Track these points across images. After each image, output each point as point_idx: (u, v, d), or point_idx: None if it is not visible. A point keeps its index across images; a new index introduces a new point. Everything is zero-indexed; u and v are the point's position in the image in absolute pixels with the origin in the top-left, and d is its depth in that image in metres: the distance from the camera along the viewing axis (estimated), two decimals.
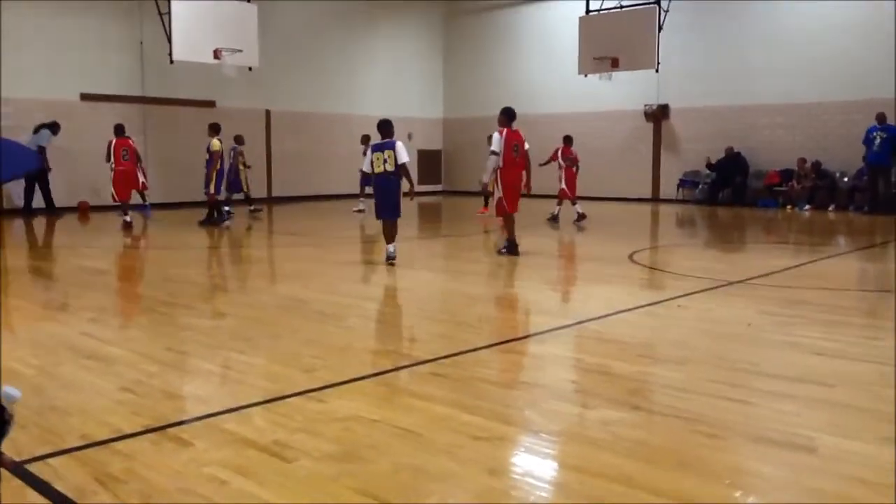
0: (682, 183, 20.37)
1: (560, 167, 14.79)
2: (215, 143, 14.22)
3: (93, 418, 3.69)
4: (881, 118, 16.04)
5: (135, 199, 15.17)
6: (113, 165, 14.24)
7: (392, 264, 9.01)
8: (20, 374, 4.44)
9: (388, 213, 9.21)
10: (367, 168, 9.43)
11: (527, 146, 9.90)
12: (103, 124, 16.68)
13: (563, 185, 14.76)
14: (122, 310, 6.72)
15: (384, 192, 9.21)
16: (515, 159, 9.78)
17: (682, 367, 4.66)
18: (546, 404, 4.01)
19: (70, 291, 7.95)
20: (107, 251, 11.91)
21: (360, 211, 16.66)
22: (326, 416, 3.70)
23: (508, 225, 10.03)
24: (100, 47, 17.64)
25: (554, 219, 14.73)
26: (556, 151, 14.87)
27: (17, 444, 3.24)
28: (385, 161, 9.04)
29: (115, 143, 14.26)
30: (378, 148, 9.21)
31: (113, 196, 14.33)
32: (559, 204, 14.94)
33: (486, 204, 16.03)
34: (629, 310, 6.37)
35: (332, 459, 3.16)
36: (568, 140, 14.95)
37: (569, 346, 5.47)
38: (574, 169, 14.83)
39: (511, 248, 9.87)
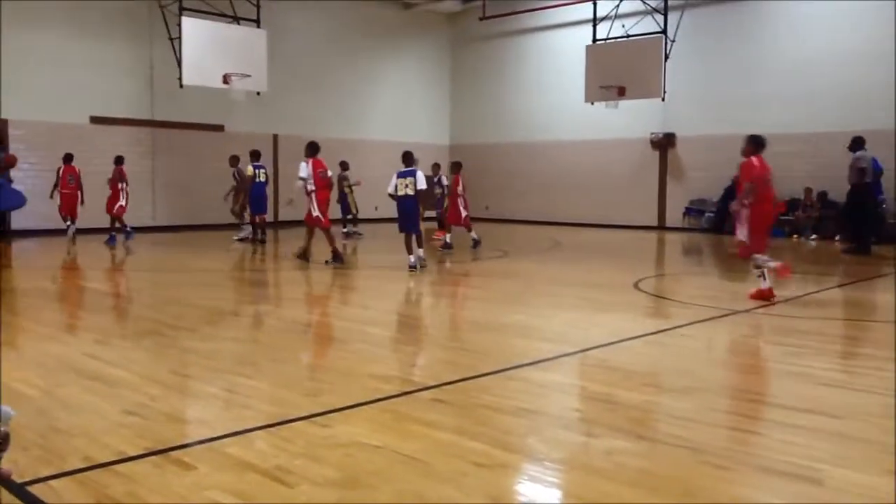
0: (688, 211, 20.38)
1: (459, 195, 14.62)
2: (249, 170, 15.47)
3: (95, 440, 3.68)
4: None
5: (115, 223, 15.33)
6: (60, 189, 15.17)
7: (415, 270, 10.44)
8: (24, 395, 4.43)
9: (412, 228, 10.79)
10: (391, 191, 10.86)
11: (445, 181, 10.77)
12: (113, 147, 16.82)
13: (466, 212, 14.63)
14: (126, 332, 6.71)
15: (407, 212, 10.79)
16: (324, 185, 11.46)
17: (688, 397, 4.63)
18: (550, 432, 3.98)
19: (74, 313, 7.96)
20: (108, 273, 11.95)
21: (243, 240, 15.89)
22: (329, 442, 3.69)
23: (329, 236, 11.55)
24: (110, 71, 17.81)
25: (447, 246, 14.28)
26: (458, 179, 14.59)
27: (20, 466, 3.23)
28: (407, 186, 10.66)
29: (64, 170, 15.22)
30: (402, 175, 10.75)
31: (63, 217, 15.20)
32: (449, 231, 14.73)
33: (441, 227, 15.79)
34: (634, 338, 6.35)
35: (334, 486, 3.14)
36: (458, 167, 14.95)
37: (573, 373, 5.45)
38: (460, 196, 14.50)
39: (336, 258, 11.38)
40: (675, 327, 6.86)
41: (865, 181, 14.20)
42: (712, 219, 19.47)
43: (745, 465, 3.48)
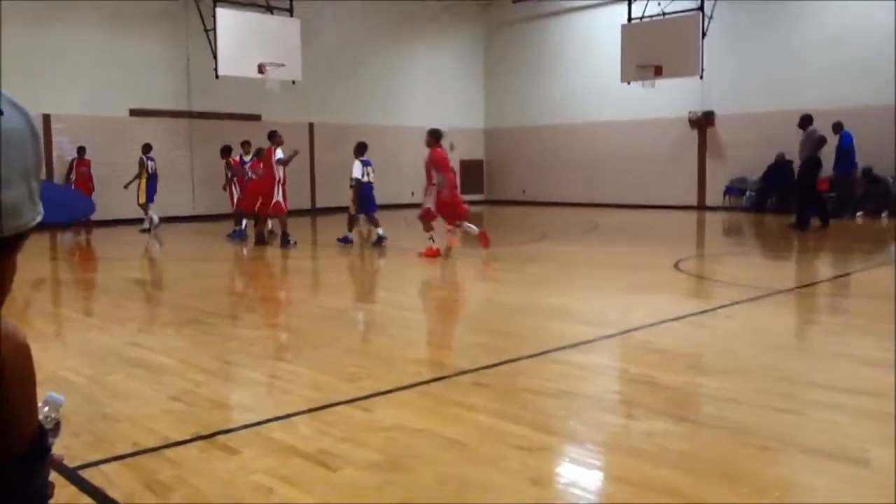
0: (729, 190, 20.09)
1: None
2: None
3: (142, 426, 3.76)
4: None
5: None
6: (74, 181, 15.69)
7: (384, 240, 11.98)
8: (72, 383, 4.54)
9: (374, 208, 12.56)
10: (358, 175, 12.25)
11: None
12: (152, 139, 17.03)
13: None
14: (168, 320, 6.82)
15: (371, 195, 12.49)
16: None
17: (730, 378, 4.58)
18: (590, 415, 3.98)
19: (118, 302, 8.11)
20: (148, 262, 12.15)
21: (147, 230, 15.51)
22: (371, 426, 3.72)
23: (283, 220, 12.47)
24: (147, 64, 18.02)
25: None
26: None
27: (71, 451, 3.32)
28: (369, 174, 12.40)
29: (77, 162, 15.91)
30: (367, 163, 12.43)
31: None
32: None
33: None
34: (675, 319, 6.29)
35: (377, 468, 3.18)
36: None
37: (613, 355, 5.42)
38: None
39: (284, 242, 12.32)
40: (717, 308, 6.78)
41: (816, 156, 14.07)
42: (753, 198, 19.17)
43: (789, 447, 3.44)
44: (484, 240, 11.16)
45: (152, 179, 15.94)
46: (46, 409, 0.99)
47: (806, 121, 14.21)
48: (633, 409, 4.06)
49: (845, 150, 16.09)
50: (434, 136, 11.08)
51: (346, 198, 13.60)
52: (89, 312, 7.59)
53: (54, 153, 16.45)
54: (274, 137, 12.67)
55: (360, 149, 12.47)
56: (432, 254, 10.68)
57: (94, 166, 16.14)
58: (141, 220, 15.91)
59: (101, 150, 16.53)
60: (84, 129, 16.74)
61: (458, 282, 9.32)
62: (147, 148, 16.00)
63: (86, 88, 16.95)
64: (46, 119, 16.29)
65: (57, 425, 1.00)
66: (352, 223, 12.86)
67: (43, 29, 16.30)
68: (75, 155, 16.04)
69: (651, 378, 4.60)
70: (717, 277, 9.22)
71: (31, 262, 10.66)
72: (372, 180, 12.49)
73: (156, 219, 15.74)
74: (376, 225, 12.43)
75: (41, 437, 0.89)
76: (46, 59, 16.08)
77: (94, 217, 16.07)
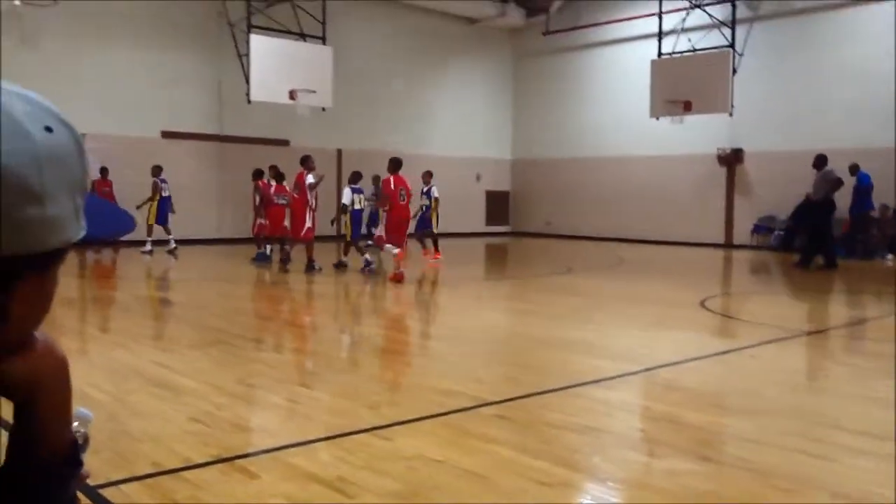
0: (756, 229, 19.92)
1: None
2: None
3: (163, 446, 3.76)
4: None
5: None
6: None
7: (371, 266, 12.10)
8: (95, 400, 4.56)
9: (360, 234, 12.90)
10: (346, 202, 12.56)
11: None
12: (183, 161, 17.28)
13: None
14: (192, 341, 6.86)
15: (360, 221, 12.93)
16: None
17: (755, 419, 4.51)
18: (613, 451, 3.93)
19: (141, 321, 8.17)
20: (173, 283, 12.25)
21: (149, 252, 15.72)
22: (391, 455, 3.70)
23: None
24: (180, 87, 18.31)
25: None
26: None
27: (93, 469, 3.32)
28: (359, 201, 12.80)
29: (98, 183, 15.97)
30: (359, 191, 12.84)
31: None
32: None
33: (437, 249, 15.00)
34: (700, 357, 6.22)
35: (395, 498, 3.15)
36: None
37: (637, 392, 5.36)
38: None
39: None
40: (743, 347, 6.70)
41: (830, 197, 13.95)
42: (781, 237, 18.99)
43: (814, 490, 3.37)
44: (397, 277, 11.15)
45: (164, 202, 16.04)
46: (76, 423, 1.00)
47: (821, 161, 14.10)
48: (655, 447, 4.01)
49: (864, 190, 16.02)
50: (392, 164, 11.93)
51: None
52: (113, 330, 7.65)
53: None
54: (306, 162, 12.77)
55: (354, 177, 12.99)
56: (398, 278, 11.09)
57: (123, 186, 16.25)
58: (163, 242, 15.94)
59: (132, 170, 16.73)
60: (115, 149, 16.98)
61: (482, 312, 9.29)
62: (157, 170, 16.08)
63: (119, 109, 17.23)
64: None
65: (86, 440, 1.02)
66: (347, 249, 12.96)
67: (78, 47, 16.66)
68: (98, 175, 16.15)
69: (675, 416, 4.54)
70: (743, 316, 9.12)
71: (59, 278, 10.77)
72: (362, 207, 13.06)
73: (172, 242, 15.83)
74: (361, 252, 12.57)
75: (74, 450, 0.90)
76: (80, 78, 16.39)
77: (122, 237, 16.31)
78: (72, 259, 13.93)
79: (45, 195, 0.74)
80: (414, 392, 5.02)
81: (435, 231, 15.03)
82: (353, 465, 3.53)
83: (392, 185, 11.65)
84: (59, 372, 0.85)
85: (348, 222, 12.62)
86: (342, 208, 12.81)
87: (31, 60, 15.04)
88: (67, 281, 10.92)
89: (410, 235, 13.28)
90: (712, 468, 3.65)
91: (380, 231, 11.80)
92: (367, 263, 12.27)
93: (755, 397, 5.06)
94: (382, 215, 11.91)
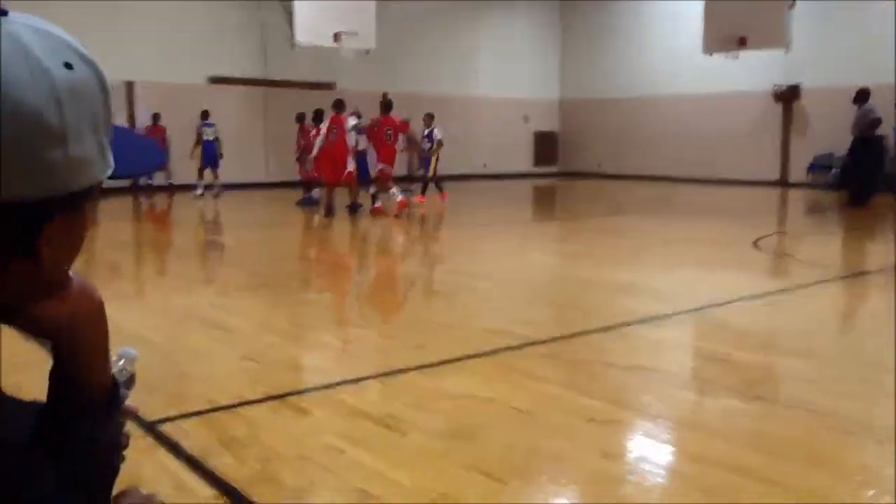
0: (813, 167, 19.36)
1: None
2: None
3: (217, 385, 3.84)
4: None
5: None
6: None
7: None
8: (151, 341, 4.67)
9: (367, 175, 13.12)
10: (353, 143, 12.50)
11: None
12: (229, 107, 17.36)
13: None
14: (245, 284, 6.96)
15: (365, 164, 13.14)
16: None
17: (809, 360, 4.43)
18: (663, 390, 3.90)
19: (196, 265, 8.32)
20: (222, 226, 12.42)
21: (201, 196, 15.89)
22: (439, 392, 3.73)
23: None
24: (225, 32, 18.30)
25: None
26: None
27: (150, 407, 3.42)
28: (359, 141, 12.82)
29: (150, 128, 16.19)
30: (359, 131, 12.80)
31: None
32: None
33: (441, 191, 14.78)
34: (752, 297, 6.11)
35: (444, 435, 3.18)
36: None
37: (687, 332, 5.30)
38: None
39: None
40: (797, 287, 6.56)
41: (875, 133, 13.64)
42: (838, 175, 18.42)
43: (870, 431, 3.30)
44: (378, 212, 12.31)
45: (209, 146, 16.16)
46: (122, 362, 1.02)
47: (861, 96, 13.60)
48: (706, 385, 3.97)
49: None
50: (382, 106, 12.73)
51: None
52: (166, 273, 7.80)
53: (137, 122, 16.87)
54: (340, 106, 12.69)
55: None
56: (403, 204, 12.36)
57: (173, 132, 16.45)
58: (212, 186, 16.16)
59: (180, 117, 16.86)
60: (165, 96, 17.13)
61: (529, 254, 9.24)
62: (203, 115, 16.20)
63: (166, 56, 17.32)
64: (129, 86, 16.72)
65: (131, 378, 1.03)
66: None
67: None
68: (150, 122, 16.35)
69: (725, 356, 4.48)
70: (797, 256, 8.93)
71: (115, 223, 11.02)
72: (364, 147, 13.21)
73: (216, 186, 15.98)
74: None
75: (113, 390, 0.91)
76: (126, 27, 16.45)
77: (174, 182, 16.55)
78: (126, 203, 14.20)
79: (67, 134, 0.72)
80: (461, 331, 5.03)
81: (432, 174, 14.74)
82: (402, 402, 3.57)
83: (378, 126, 12.49)
84: (94, 313, 0.84)
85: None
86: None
87: (75, 11, 15.10)
88: (120, 225, 11.16)
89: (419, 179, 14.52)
90: (764, 407, 3.60)
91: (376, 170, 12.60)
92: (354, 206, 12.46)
93: (809, 338, 4.96)
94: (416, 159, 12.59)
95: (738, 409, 3.54)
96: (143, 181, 16.63)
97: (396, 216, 12.20)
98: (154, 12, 17.12)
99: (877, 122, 13.54)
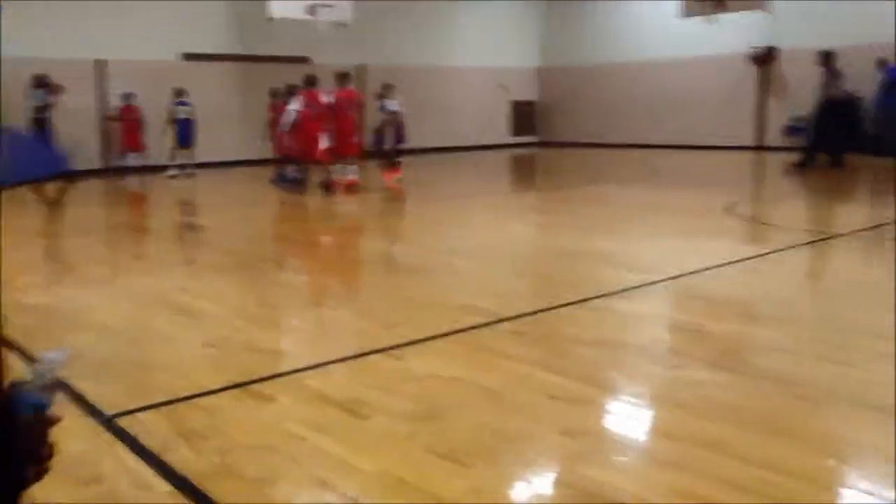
0: (790, 130, 19.34)
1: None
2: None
3: (180, 373, 3.77)
4: None
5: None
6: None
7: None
8: (114, 329, 4.59)
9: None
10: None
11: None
12: (204, 84, 17.09)
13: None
14: (215, 266, 6.86)
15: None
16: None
17: (783, 327, 4.41)
18: (632, 364, 3.87)
19: (166, 247, 8.20)
20: (195, 207, 12.28)
21: (174, 176, 15.56)
22: (405, 374, 3.68)
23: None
24: (196, 6, 17.97)
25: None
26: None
27: (111, 398, 3.36)
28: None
29: (124, 109, 16.10)
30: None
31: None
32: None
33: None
34: (726, 264, 6.08)
35: (410, 418, 3.13)
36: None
37: (660, 303, 5.26)
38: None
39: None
40: (771, 252, 6.54)
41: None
42: (811, 137, 18.40)
43: (840, 400, 3.29)
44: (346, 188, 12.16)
45: (182, 124, 15.93)
46: (41, 368, 1.01)
47: (824, 58, 14.02)
48: (677, 358, 3.94)
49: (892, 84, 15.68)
50: (305, 80, 12.60)
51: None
52: (136, 256, 7.69)
53: (111, 101, 16.59)
54: (314, 82, 12.56)
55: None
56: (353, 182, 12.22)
57: (148, 112, 16.16)
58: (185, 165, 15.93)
59: (153, 95, 16.59)
60: (137, 75, 16.83)
61: (506, 225, 9.18)
62: (176, 93, 15.96)
63: (137, 33, 17.00)
64: (101, 65, 16.42)
65: (53, 385, 1.01)
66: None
67: None
68: (124, 102, 16.07)
69: (698, 326, 4.46)
70: (772, 221, 8.92)
71: (86, 206, 10.86)
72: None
73: (188, 166, 15.74)
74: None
75: (10, 402, 0.87)
76: (96, 3, 16.10)
77: (147, 163, 16.30)
78: (98, 185, 14.00)
79: None
80: (430, 309, 4.97)
81: (386, 147, 14.58)
82: (367, 385, 3.52)
83: (302, 101, 12.28)
84: None
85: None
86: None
87: None
88: (92, 208, 11.00)
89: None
90: (736, 378, 3.58)
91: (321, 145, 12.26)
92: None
93: (783, 304, 4.95)
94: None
95: (709, 382, 3.52)
96: (115, 163, 16.40)
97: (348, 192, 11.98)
98: None
99: (843, 97, 13.99)
